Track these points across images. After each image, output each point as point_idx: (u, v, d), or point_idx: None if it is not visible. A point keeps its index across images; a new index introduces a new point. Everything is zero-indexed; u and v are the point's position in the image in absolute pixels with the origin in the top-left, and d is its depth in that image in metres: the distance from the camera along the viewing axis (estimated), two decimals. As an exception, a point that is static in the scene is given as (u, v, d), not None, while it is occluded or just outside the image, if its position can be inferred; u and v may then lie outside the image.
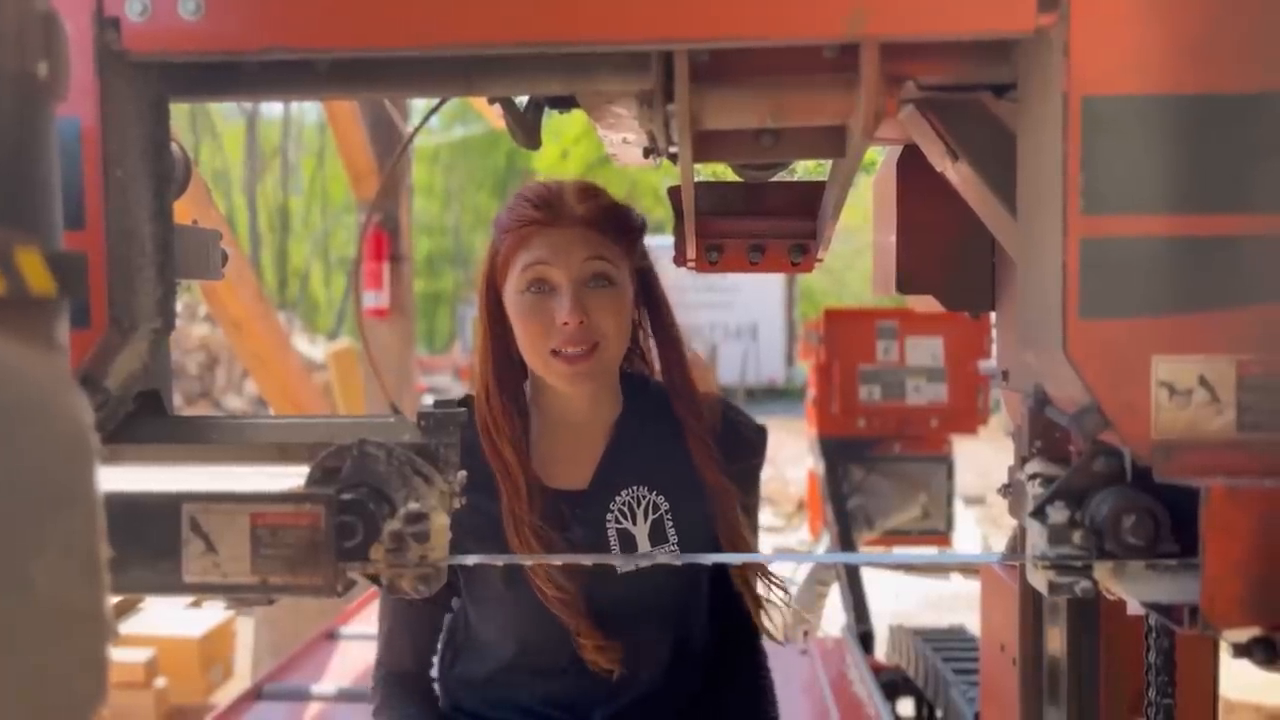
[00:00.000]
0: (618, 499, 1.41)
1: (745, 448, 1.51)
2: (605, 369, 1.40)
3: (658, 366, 1.51)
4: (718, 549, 1.43)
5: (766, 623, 1.51)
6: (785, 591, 1.51)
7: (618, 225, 1.39)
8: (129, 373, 0.88)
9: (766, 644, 1.57)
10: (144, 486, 0.79)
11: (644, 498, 1.42)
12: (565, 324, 1.32)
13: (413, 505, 0.83)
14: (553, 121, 1.21)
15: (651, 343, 1.51)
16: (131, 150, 0.85)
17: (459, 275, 24.96)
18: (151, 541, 0.77)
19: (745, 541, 1.43)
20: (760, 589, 1.48)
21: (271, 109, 21.75)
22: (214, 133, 21.41)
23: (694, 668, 1.51)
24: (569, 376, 1.35)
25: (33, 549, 0.47)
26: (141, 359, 0.89)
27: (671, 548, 1.41)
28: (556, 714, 1.44)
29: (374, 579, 0.83)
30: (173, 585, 0.78)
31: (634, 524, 1.41)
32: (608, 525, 1.41)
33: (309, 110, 20.61)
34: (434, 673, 1.54)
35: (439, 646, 1.53)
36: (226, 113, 21.38)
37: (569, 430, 1.45)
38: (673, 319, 1.49)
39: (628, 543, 1.41)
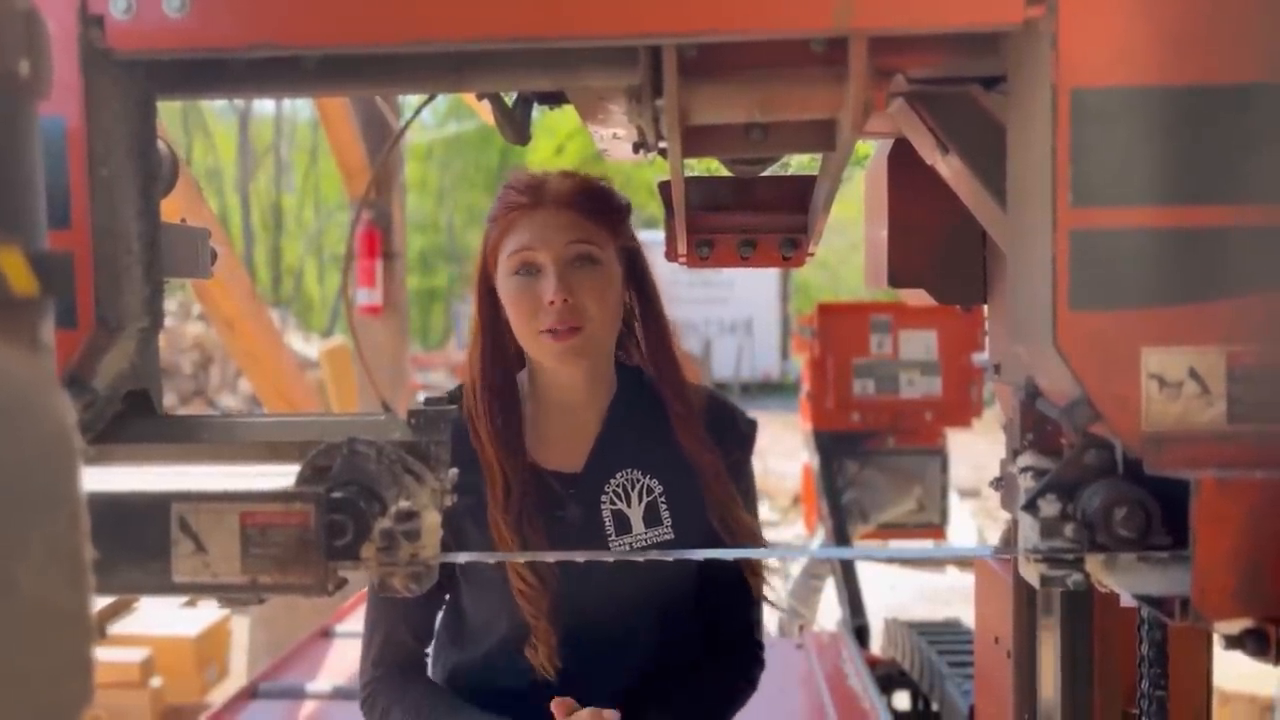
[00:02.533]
0: (612, 481, 1.44)
1: (738, 435, 1.53)
2: (594, 347, 1.42)
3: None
4: (712, 532, 1.44)
5: (766, 604, 1.53)
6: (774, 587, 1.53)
7: (600, 205, 1.42)
8: (117, 372, 0.87)
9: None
10: (133, 486, 0.79)
11: (638, 480, 1.45)
12: (551, 302, 1.35)
13: (403, 503, 0.83)
14: (547, 117, 1.21)
15: (639, 325, 1.52)
16: (117, 148, 0.85)
17: (453, 272, 24.94)
18: (141, 542, 0.77)
19: (740, 522, 1.45)
20: (761, 576, 1.50)
21: (264, 106, 21.71)
22: (206, 131, 21.36)
23: (687, 649, 1.52)
24: (557, 353, 1.38)
25: (16, 551, 0.47)
26: (129, 358, 0.88)
27: (666, 530, 1.44)
28: (547, 703, 1.44)
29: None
30: (163, 586, 0.78)
31: (628, 505, 1.44)
32: (602, 506, 1.43)
33: (302, 107, 20.59)
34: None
35: (434, 642, 1.54)
36: (219, 111, 21.35)
37: (563, 414, 1.47)
38: (659, 300, 1.51)
39: (622, 524, 1.43)
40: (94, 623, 0.50)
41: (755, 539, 1.50)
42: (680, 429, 1.46)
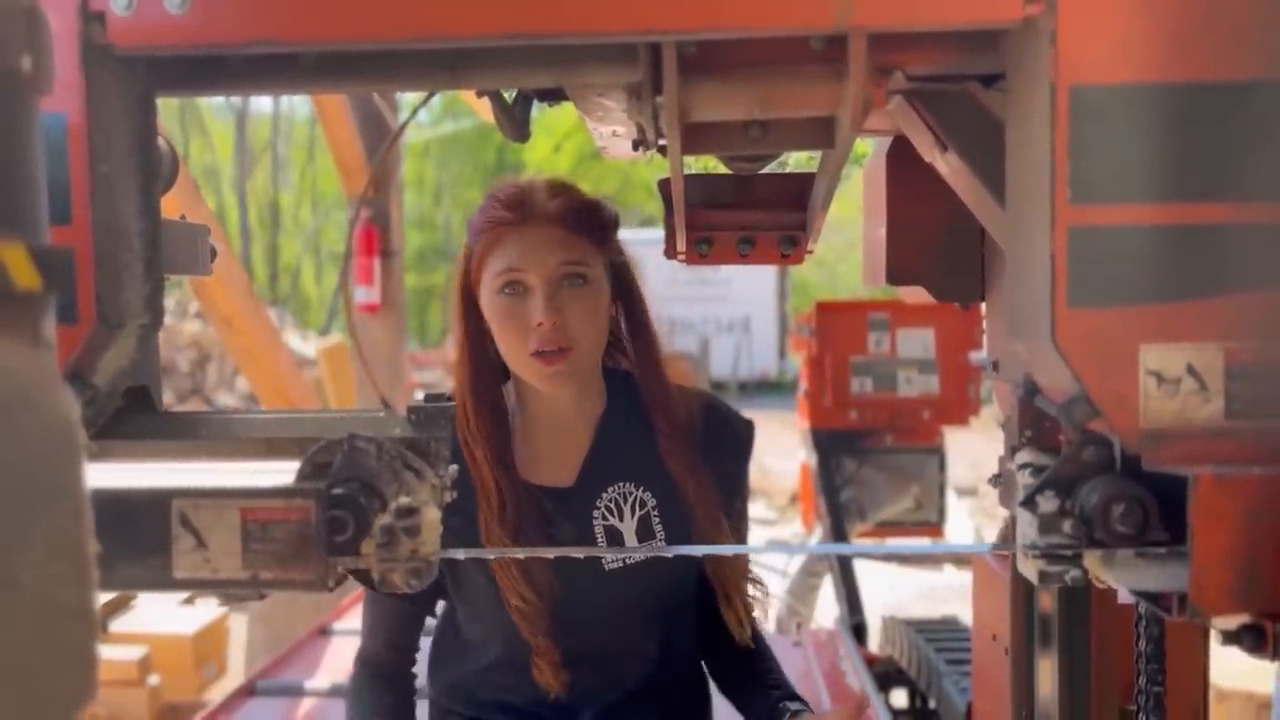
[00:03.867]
0: (604, 496, 1.41)
1: (734, 443, 1.50)
2: (583, 368, 1.38)
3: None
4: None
5: (755, 623, 1.51)
6: (767, 593, 1.51)
7: (590, 222, 1.37)
8: (117, 369, 0.88)
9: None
10: (133, 482, 0.79)
11: (630, 494, 1.41)
12: (540, 324, 1.31)
13: (404, 499, 0.83)
14: (545, 115, 1.20)
15: (628, 337, 1.50)
16: (118, 145, 0.85)
17: (451, 270, 24.88)
18: (141, 538, 0.77)
19: (723, 544, 1.42)
20: (745, 593, 1.48)
21: (261, 104, 21.69)
22: (203, 129, 21.36)
23: (683, 665, 1.51)
24: (547, 377, 1.34)
25: (18, 545, 0.47)
26: (129, 355, 0.88)
27: (660, 543, 1.41)
28: (545, 713, 1.43)
29: (364, 575, 0.83)
30: (163, 582, 0.78)
31: (620, 520, 1.40)
32: (594, 522, 1.40)
33: (299, 105, 20.59)
34: (416, 670, 1.54)
35: (430, 653, 1.53)
36: (216, 109, 21.34)
37: (553, 428, 1.44)
38: (647, 314, 1.47)
39: (615, 539, 1.40)
40: (97, 618, 0.50)
41: (741, 572, 1.47)
42: (667, 452, 1.42)
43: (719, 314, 18.74)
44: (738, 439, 1.50)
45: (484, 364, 1.41)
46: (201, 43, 0.81)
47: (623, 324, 1.48)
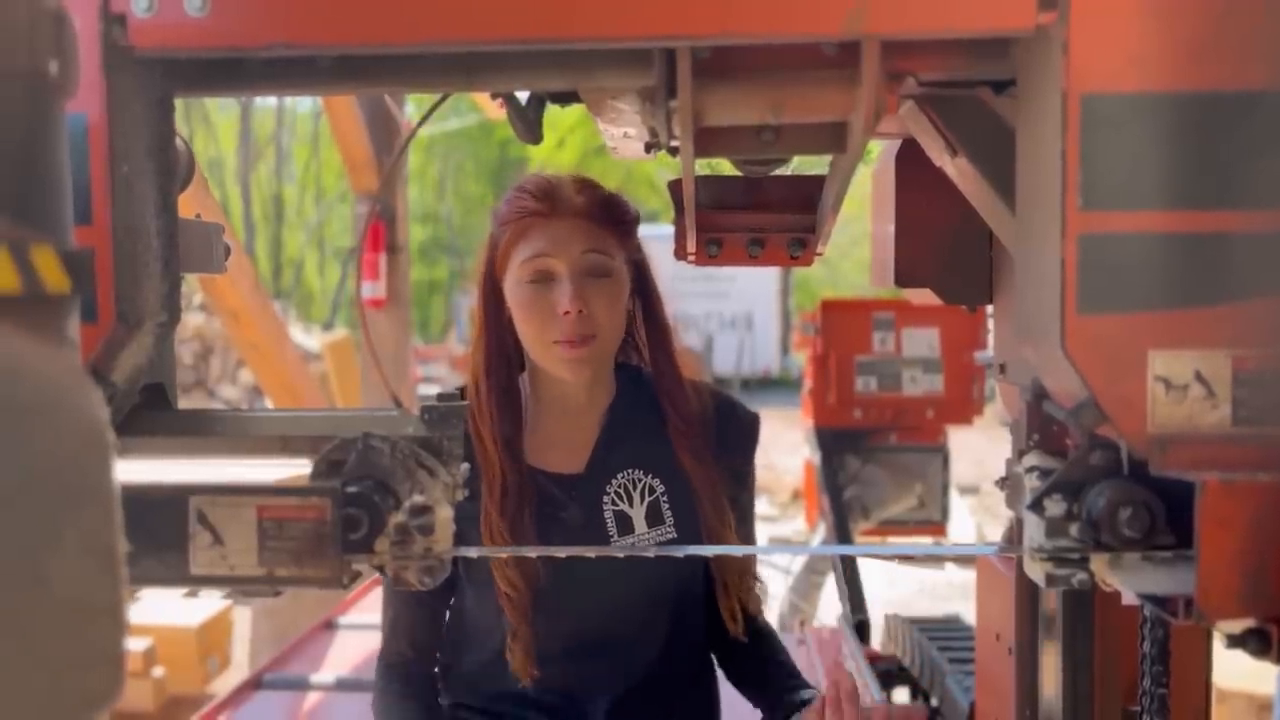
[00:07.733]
0: (614, 481, 1.45)
1: (743, 437, 1.53)
2: (602, 357, 1.43)
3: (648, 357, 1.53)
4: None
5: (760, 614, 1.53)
6: (765, 591, 1.54)
7: (614, 217, 1.42)
8: (135, 367, 0.88)
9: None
10: (151, 479, 0.80)
11: (640, 480, 1.45)
12: (566, 313, 1.35)
13: (417, 498, 0.84)
14: (548, 111, 1.21)
15: (643, 333, 1.53)
16: (137, 146, 0.85)
17: (454, 264, 24.93)
18: (159, 534, 0.78)
19: (727, 536, 1.45)
20: (744, 587, 1.50)
21: (266, 98, 21.64)
22: (207, 121, 21.34)
23: (691, 657, 1.53)
24: (569, 363, 1.38)
25: (49, 545, 0.48)
26: (147, 353, 0.89)
27: (668, 529, 1.44)
28: (555, 701, 1.45)
29: (380, 569, 0.84)
30: (180, 578, 0.79)
31: (630, 505, 1.44)
32: (604, 507, 1.43)
33: (302, 98, 20.53)
34: (436, 668, 1.55)
35: (442, 644, 1.54)
36: (221, 101, 21.29)
37: (566, 417, 1.47)
38: (663, 310, 1.52)
39: (624, 524, 1.43)
40: (126, 616, 0.51)
41: (743, 565, 1.50)
42: (678, 444, 1.46)
43: (722, 310, 18.74)
44: (745, 433, 1.54)
45: (502, 350, 1.45)
46: (221, 45, 0.82)
47: (639, 318, 1.52)
